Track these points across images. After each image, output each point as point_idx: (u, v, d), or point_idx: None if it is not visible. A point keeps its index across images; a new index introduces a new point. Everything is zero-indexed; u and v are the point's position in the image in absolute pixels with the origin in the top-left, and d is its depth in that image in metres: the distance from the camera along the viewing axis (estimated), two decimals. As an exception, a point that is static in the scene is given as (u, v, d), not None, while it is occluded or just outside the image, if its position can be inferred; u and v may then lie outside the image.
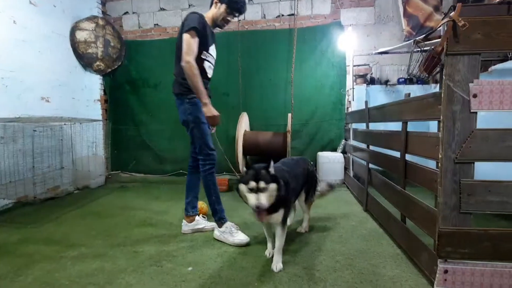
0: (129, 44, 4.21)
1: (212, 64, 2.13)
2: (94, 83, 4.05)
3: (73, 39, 3.72)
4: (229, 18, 2.07)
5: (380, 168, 2.60)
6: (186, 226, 2.26)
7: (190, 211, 2.26)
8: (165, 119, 4.09)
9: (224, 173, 4.08)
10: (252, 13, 4.03)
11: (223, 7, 2.01)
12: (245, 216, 2.61)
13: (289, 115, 3.31)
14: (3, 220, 2.62)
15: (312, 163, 2.20)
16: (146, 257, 1.87)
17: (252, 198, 1.47)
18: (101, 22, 3.91)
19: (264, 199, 1.46)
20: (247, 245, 2.01)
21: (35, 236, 2.25)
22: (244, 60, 3.92)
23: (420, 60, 2.35)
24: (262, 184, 1.47)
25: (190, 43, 1.88)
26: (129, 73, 4.19)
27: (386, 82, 3.75)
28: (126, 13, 4.27)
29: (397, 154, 2.04)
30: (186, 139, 4.03)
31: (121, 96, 4.22)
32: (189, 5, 4.14)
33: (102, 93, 4.17)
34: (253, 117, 3.89)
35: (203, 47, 1.99)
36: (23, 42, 3.05)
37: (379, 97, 3.67)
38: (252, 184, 1.47)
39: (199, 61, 1.98)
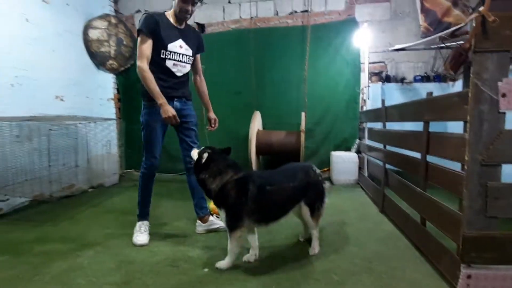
0: (141, 42, 4.22)
1: (178, 60, 2.04)
2: (107, 82, 4.09)
3: (86, 38, 3.75)
4: (187, 8, 1.95)
5: (396, 169, 2.53)
6: (200, 227, 2.26)
7: (200, 213, 2.24)
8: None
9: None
10: (264, 10, 3.98)
11: None
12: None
13: (303, 114, 3.26)
14: (19, 218, 2.68)
15: (318, 171, 1.91)
16: (162, 257, 1.87)
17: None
18: (113, 20, 3.94)
19: (195, 153, 1.78)
20: (142, 245, 2.04)
21: (51, 235, 2.28)
22: (256, 58, 3.88)
23: (445, 57, 2.26)
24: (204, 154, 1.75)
25: (139, 47, 1.91)
26: (141, 72, 4.21)
27: (402, 80, 3.66)
28: (138, 11, 4.28)
29: (416, 154, 1.98)
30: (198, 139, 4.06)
31: (134, 95, 4.22)
32: (201, 2, 4.11)
33: (116, 92, 4.20)
34: (266, 115, 3.86)
35: (159, 46, 1.95)
36: (36, 40, 3.08)
37: (394, 95, 3.57)
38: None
39: (161, 61, 1.98)
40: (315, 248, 1.88)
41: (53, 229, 2.39)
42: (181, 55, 2.05)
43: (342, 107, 3.84)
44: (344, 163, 3.59)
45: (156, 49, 1.95)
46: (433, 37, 2.71)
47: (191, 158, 1.84)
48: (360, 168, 3.62)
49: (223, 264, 1.70)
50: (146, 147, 2.12)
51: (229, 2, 4.06)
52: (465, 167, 1.31)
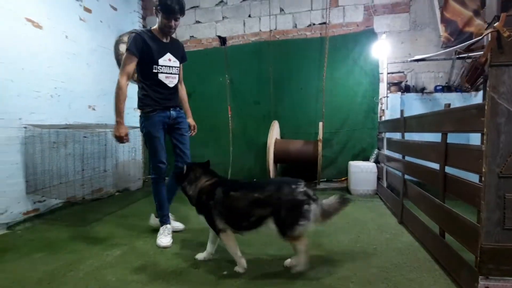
0: (166, 55, 4.47)
1: (169, 73, 2.19)
2: (133, 93, 4.32)
3: (116, 52, 4.04)
4: (170, 24, 2.07)
5: (415, 180, 2.51)
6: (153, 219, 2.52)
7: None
8: (198, 126, 4.25)
9: (255, 180, 4.15)
10: (283, 23, 4.11)
11: (159, 14, 2.07)
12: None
13: (320, 123, 3.31)
14: (54, 218, 2.90)
15: (299, 189, 1.68)
16: (183, 258, 1.98)
17: None
18: (142, 35, 4.20)
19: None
20: (165, 247, 2.15)
21: (83, 234, 2.46)
22: (275, 69, 4.00)
23: (462, 70, 2.26)
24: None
25: (123, 64, 2.06)
26: (165, 83, 4.45)
27: (422, 90, 3.62)
28: (164, 26, 4.54)
29: (434, 165, 1.98)
30: (217, 146, 4.22)
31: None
32: (223, 17, 4.32)
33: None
34: (284, 125, 3.94)
35: (150, 61, 2.10)
36: (74, 55, 3.37)
37: (414, 105, 3.55)
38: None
39: (154, 75, 2.14)
40: (298, 263, 1.72)
41: (84, 229, 2.58)
42: (171, 68, 2.21)
43: (361, 117, 3.85)
44: (362, 173, 3.57)
45: (149, 64, 2.10)
46: (456, 47, 2.69)
47: (183, 163, 2.05)
48: (379, 179, 3.58)
49: (237, 267, 1.79)
50: (151, 154, 2.27)
51: (250, 16, 4.23)
52: (483, 179, 1.32)
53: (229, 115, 4.19)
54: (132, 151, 4.07)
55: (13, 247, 2.22)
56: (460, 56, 2.22)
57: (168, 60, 2.18)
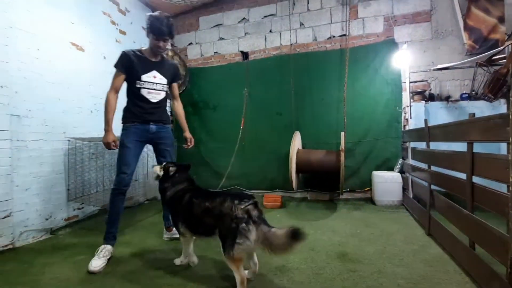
0: (192, 70, 4.73)
1: (152, 89, 2.30)
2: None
3: (147, 69, 4.33)
4: (159, 45, 2.22)
5: (442, 190, 2.46)
6: (165, 234, 2.67)
7: (166, 223, 2.65)
8: (222, 138, 4.43)
9: (277, 190, 4.21)
10: (303, 37, 4.23)
11: (150, 35, 2.21)
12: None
13: (342, 133, 3.34)
14: (91, 224, 3.12)
15: (241, 206, 1.64)
16: (211, 264, 2.07)
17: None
18: (170, 53, 4.50)
19: (156, 168, 2.13)
20: (93, 272, 1.99)
21: (118, 239, 2.62)
22: (296, 81, 4.10)
23: (484, 81, 2.23)
24: (161, 165, 2.12)
25: (112, 80, 2.28)
26: (191, 97, 4.69)
27: (447, 98, 3.56)
28: (190, 43, 4.83)
29: (461, 175, 1.95)
30: (241, 157, 4.34)
31: (184, 117, 4.71)
32: (245, 33, 4.52)
33: (169, 115, 4.70)
34: (305, 135, 3.99)
35: (134, 77, 2.25)
36: (110, 74, 3.61)
37: (439, 114, 3.48)
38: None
39: (137, 90, 2.27)
40: None
41: (119, 234, 2.74)
42: (155, 84, 2.31)
43: (383, 127, 3.82)
44: (387, 183, 3.53)
45: (132, 80, 2.26)
46: (477, 57, 2.65)
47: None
48: (405, 189, 3.51)
49: (177, 259, 2.09)
50: (117, 163, 2.30)
51: (271, 31, 4.40)
52: (510, 188, 1.31)
53: (241, 128, 4.30)
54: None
55: (57, 250, 2.43)
56: (481, 66, 2.20)
57: (153, 77, 2.30)
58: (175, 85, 2.56)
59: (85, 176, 3.18)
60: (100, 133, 3.41)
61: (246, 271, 1.80)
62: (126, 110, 2.35)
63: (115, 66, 2.27)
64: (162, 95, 2.38)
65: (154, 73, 2.31)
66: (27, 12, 2.65)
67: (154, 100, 2.33)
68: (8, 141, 2.42)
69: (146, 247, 2.45)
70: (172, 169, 2.06)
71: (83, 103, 3.24)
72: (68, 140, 3.00)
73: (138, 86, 2.27)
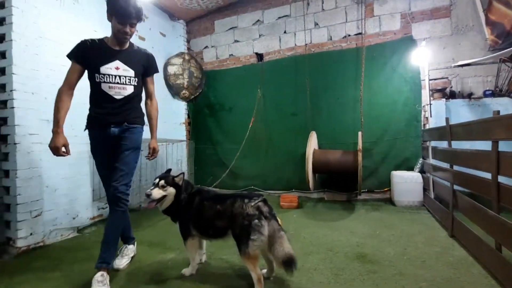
0: (208, 73, 4.82)
1: (114, 82, 1.89)
2: (180, 109, 4.74)
3: (165, 73, 4.46)
4: (125, 30, 1.87)
5: (466, 190, 2.38)
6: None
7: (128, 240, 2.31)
8: (238, 138, 4.49)
9: (293, 190, 4.21)
10: (318, 37, 4.22)
11: (113, 19, 1.87)
12: (315, 231, 2.68)
13: (359, 133, 3.30)
14: (115, 223, 3.24)
15: (251, 204, 1.70)
16: (230, 264, 2.11)
17: (149, 189, 1.88)
18: (186, 57, 4.61)
19: (155, 192, 1.85)
20: (117, 270, 2.05)
21: (140, 239, 2.71)
22: (312, 81, 4.09)
23: (508, 77, 2.15)
24: (161, 182, 1.88)
25: (67, 73, 1.89)
26: (208, 99, 4.78)
27: (469, 96, 3.43)
28: (206, 47, 4.92)
29: (486, 175, 1.89)
30: (256, 157, 4.38)
31: (201, 119, 4.82)
32: (260, 35, 4.55)
33: (186, 116, 4.82)
34: (321, 136, 3.97)
35: (92, 69, 1.87)
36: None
37: (461, 111, 3.37)
38: (156, 180, 1.91)
39: (96, 85, 1.88)
40: None
41: (141, 233, 2.85)
42: (117, 77, 1.89)
43: (402, 126, 3.74)
44: (407, 183, 3.45)
45: (90, 73, 1.88)
46: (499, 53, 2.55)
47: (122, 186, 1.86)
48: (425, 189, 3.42)
49: (185, 269, 1.96)
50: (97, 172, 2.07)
51: (285, 32, 4.42)
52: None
53: (249, 126, 4.33)
54: (179, 163, 4.40)
55: (84, 248, 2.55)
56: (505, 62, 2.11)
57: (115, 68, 1.88)
58: (149, 79, 2.12)
59: (108, 177, 3.31)
60: (122, 136, 3.58)
61: (264, 270, 1.83)
62: (89, 112, 2.00)
63: (68, 55, 1.90)
64: (129, 90, 1.94)
65: (117, 63, 1.90)
66: (55, 23, 2.80)
67: (118, 97, 1.91)
68: (39, 144, 2.56)
69: (167, 246, 2.52)
70: (179, 179, 1.93)
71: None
72: (92, 143, 3.13)
73: (97, 80, 1.87)
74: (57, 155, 1.83)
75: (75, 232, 2.92)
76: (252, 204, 1.71)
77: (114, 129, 1.93)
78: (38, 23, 2.64)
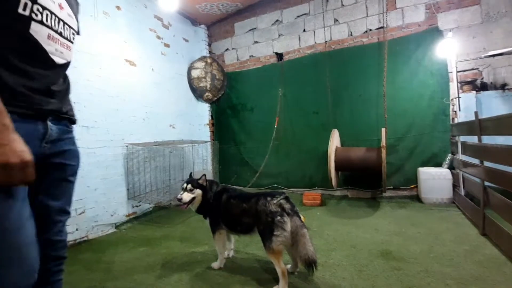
0: (229, 75, 4.96)
1: (57, 32, 0.99)
2: (204, 110, 4.93)
3: (189, 77, 4.66)
4: None
5: (498, 187, 2.29)
6: None
7: None
8: (260, 138, 4.58)
9: (316, 188, 4.23)
10: (338, 33, 4.18)
11: None
12: (339, 229, 2.71)
13: (383, 129, 3.25)
14: (148, 220, 3.48)
15: (274, 201, 1.79)
16: (257, 259, 2.21)
17: (179, 194, 2.06)
18: (209, 60, 4.77)
19: (185, 196, 2.04)
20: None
21: (172, 234, 2.92)
22: (332, 79, 4.07)
23: None
24: (189, 186, 2.06)
25: None
26: (230, 100, 4.92)
27: (503, 87, 3.25)
28: (227, 49, 5.05)
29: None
30: (279, 156, 4.45)
31: (224, 119, 4.98)
32: (279, 35, 4.60)
33: (210, 118, 5.00)
34: (344, 133, 3.95)
35: None
36: (158, 84, 4.04)
37: (494, 104, 3.20)
38: (184, 185, 2.09)
39: (18, 22, 0.86)
40: (278, 287, 1.73)
41: (172, 229, 3.05)
42: (62, 23, 1.02)
43: (429, 121, 3.62)
44: (434, 180, 3.35)
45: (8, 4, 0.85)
46: None
47: (63, 249, 1.08)
48: (455, 186, 3.30)
49: (214, 263, 2.12)
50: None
51: (304, 31, 4.42)
52: None
53: (275, 126, 4.39)
54: (204, 163, 4.59)
55: (122, 242, 2.79)
56: None
57: (58, 5, 0.99)
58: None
59: (141, 177, 3.56)
60: (151, 138, 3.82)
61: (288, 266, 1.92)
62: None
63: None
64: (71, 54, 1.11)
65: (62, 0, 1.02)
66: (89, 37, 3.05)
67: (60, 60, 1.03)
68: (82, 149, 2.81)
69: (197, 241, 2.68)
70: (202, 180, 2.09)
71: (136, 112, 3.61)
72: (126, 146, 3.38)
73: (24, 12, 0.87)
74: (24, 181, 0.75)
75: (113, 228, 3.18)
76: (275, 201, 1.80)
77: (53, 125, 1.00)
78: (76, 37, 2.89)
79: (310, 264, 1.67)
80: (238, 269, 2.07)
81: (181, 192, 2.06)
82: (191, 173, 2.29)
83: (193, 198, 2.07)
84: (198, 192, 2.07)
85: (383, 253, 2.18)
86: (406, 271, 1.89)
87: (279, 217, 1.74)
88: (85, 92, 2.95)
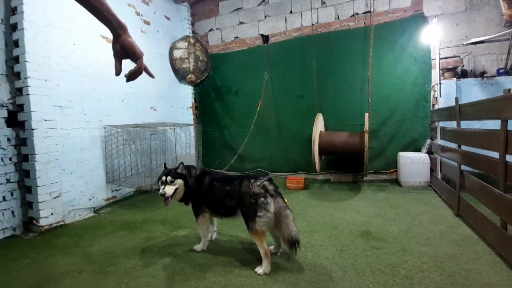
0: (213, 56, 4.79)
1: None
2: (187, 93, 4.77)
3: (171, 57, 4.46)
4: None
5: (474, 170, 2.39)
6: None
7: None
8: (245, 122, 4.51)
9: (300, 172, 4.27)
10: (325, 16, 4.11)
11: None
12: (321, 211, 2.75)
13: (366, 114, 3.27)
14: (128, 204, 3.38)
15: (257, 184, 1.78)
16: (240, 240, 2.21)
17: (161, 189, 1.91)
18: (192, 40, 4.58)
19: (168, 189, 1.90)
20: None
21: (153, 218, 2.86)
22: (318, 62, 4.02)
23: None
24: (168, 178, 1.91)
25: None
26: (214, 82, 4.78)
27: (482, 74, 3.34)
28: (211, 30, 4.86)
29: (494, 154, 1.89)
30: (263, 140, 4.42)
31: (208, 102, 4.85)
32: (265, 16, 4.46)
33: (193, 100, 4.85)
34: (328, 118, 3.96)
35: None
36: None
37: (473, 91, 3.29)
38: (162, 178, 1.93)
39: None
40: (261, 268, 1.74)
41: (154, 213, 2.98)
42: None
43: (411, 106, 3.69)
44: (414, 164, 3.45)
45: None
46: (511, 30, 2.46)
47: None
48: (433, 170, 3.43)
49: (197, 245, 2.09)
50: None
51: (291, 12, 4.31)
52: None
53: (257, 109, 4.31)
54: (187, 146, 4.49)
55: (101, 226, 2.69)
56: None
57: None
58: None
59: (120, 160, 3.43)
60: (131, 120, 3.65)
61: (271, 247, 1.93)
62: None
63: None
64: None
65: None
66: (63, 10, 2.81)
67: None
68: (55, 129, 2.66)
69: (179, 225, 2.63)
70: (180, 169, 1.97)
71: (115, 93, 3.43)
72: (104, 128, 3.22)
73: None
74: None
75: (91, 212, 3.07)
76: (258, 183, 1.79)
77: None
78: (46, 10, 2.65)
79: (293, 243, 1.68)
80: (221, 251, 2.06)
81: (162, 187, 1.91)
82: (165, 164, 2.13)
83: (176, 189, 1.94)
84: (179, 182, 1.95)
85: (363, 234, 2.23)
86: (385, 250, 1.95)
87: (262, 199, 1.73)
88: (57, 69, 2.75)
